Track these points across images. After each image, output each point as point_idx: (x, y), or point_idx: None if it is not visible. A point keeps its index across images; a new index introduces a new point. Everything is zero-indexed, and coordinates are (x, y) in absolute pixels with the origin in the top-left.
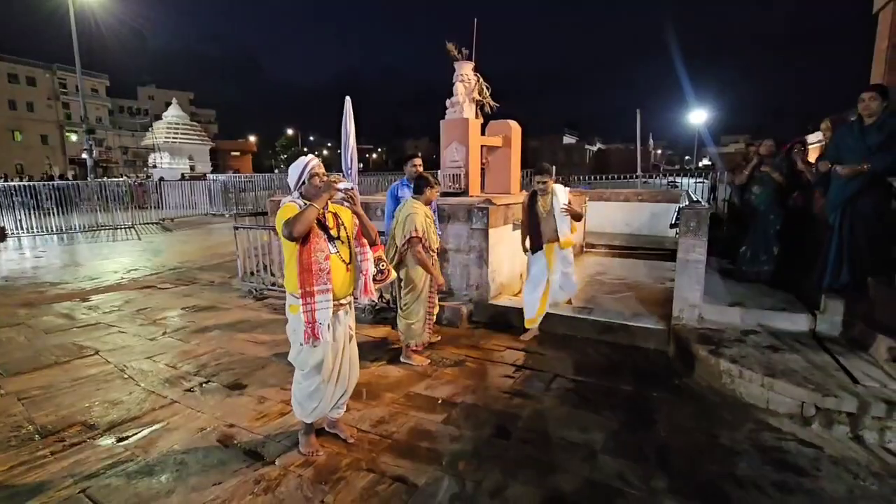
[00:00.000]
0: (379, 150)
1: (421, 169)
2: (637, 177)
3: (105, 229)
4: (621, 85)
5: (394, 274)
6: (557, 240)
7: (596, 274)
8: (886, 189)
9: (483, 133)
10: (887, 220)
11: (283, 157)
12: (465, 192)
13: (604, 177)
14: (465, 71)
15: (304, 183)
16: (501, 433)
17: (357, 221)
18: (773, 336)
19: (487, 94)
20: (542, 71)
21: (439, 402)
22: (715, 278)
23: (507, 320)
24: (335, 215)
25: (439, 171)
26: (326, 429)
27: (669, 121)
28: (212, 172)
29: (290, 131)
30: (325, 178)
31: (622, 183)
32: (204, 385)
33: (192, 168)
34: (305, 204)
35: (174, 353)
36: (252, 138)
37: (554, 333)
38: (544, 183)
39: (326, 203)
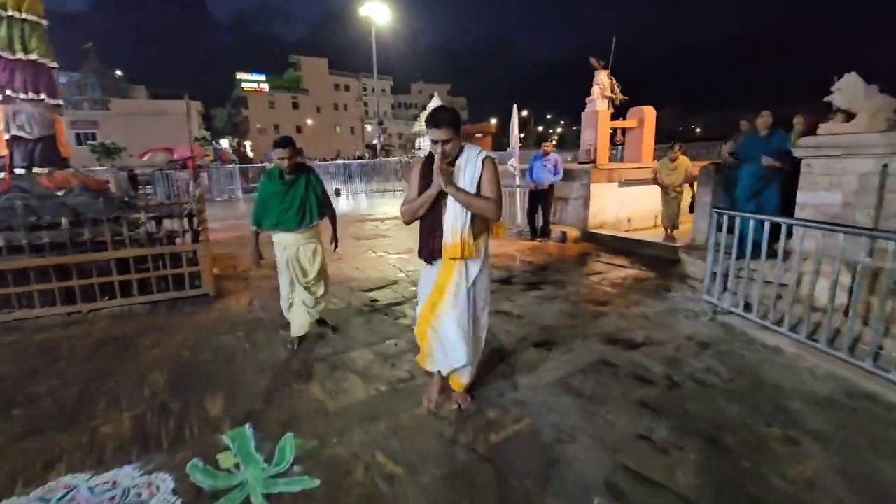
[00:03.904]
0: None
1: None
2: None
3: (387, 191)
4: None
5: None
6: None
7: None
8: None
9: (624, 117)
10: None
11: (521, 135)
12: (594, 162)
13: None
14: (601, 78)
15: None
16: (544, 269)
17: None
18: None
19: (618, 91)
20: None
21: (529, 261)
22: None
23: (594, 239)
24: None
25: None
26: None
27: None
28: None
29: (524, 112)
30: None
31: None
32: None
33: None
34: None
35: None
36: (493, 121)
37: (608, 245)
38: (440, 143)
39: None
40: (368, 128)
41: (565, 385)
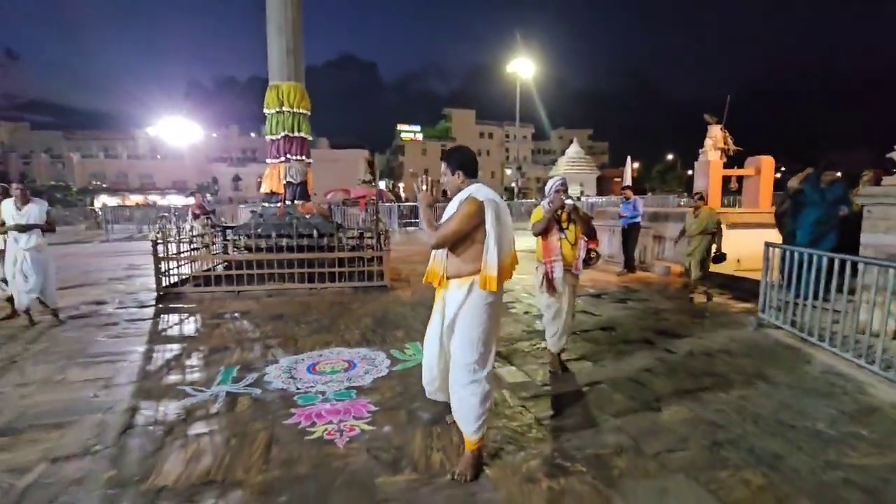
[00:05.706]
0: (782, 169)
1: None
2: None
3: (518, 229)
4: None
5: (600, 261)
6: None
7: None
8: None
9: (742, 166)
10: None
11: (663, 180)
12: None
13: None
14: (714, 132)
15: (550, 194)
16: (636, 291)
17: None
18: None
19: (731, 143)
20: None
21: (625, 285)
22: None
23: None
24: (569, 213)
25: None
26: None
27: None
28: (597, 195)
29: (669, 156)
30: (558, 194)
31: None
32: None
33: (581, 193)
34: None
35: None
36: (636, 164)
37: (709, 279)
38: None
39: (562, 206)
40: (508, 172)
41: (610, 345)
